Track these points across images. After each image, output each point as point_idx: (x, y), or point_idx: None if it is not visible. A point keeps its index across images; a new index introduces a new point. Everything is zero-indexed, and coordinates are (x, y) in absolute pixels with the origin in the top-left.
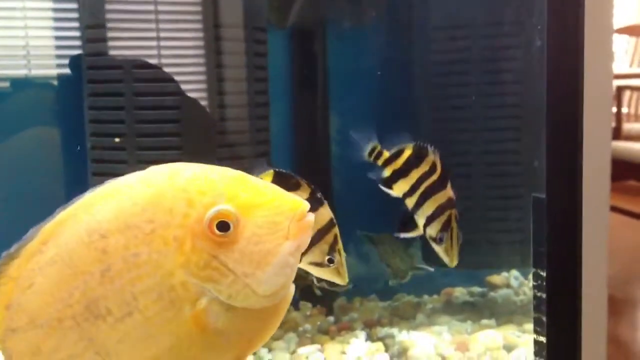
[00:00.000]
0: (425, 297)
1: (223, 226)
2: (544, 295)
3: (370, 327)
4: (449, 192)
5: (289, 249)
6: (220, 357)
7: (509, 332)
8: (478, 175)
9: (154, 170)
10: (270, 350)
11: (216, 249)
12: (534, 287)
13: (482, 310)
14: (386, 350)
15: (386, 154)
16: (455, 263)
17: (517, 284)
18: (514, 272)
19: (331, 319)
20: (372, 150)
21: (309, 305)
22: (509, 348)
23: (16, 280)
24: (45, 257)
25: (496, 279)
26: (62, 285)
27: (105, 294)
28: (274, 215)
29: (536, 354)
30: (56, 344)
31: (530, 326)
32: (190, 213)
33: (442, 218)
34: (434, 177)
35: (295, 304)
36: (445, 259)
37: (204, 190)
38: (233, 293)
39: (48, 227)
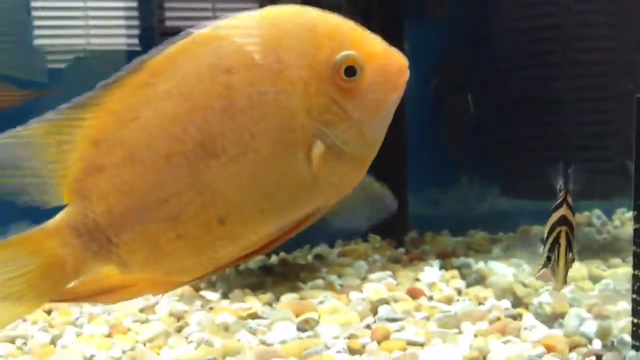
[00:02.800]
0: (501, 234)
1: (349, 71)
2: None
3: (444, 258)
4: (562, 210)
5: (395, 100)
6: (316, 202)
7: (594, 266)
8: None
9: (276, 10)
10: (340, 276)
11: (339, 94)
12: (635, 218)
13: None
14: (462, 278)
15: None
16: (561, 286)
17: (600, 222)
18: (597, 211)
19: (402, 250)
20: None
21: (378, 237)
22: (594, 279)
23: (115, 113)
24: (157, 90)
25: (578, 217)
26: (176, 119)
27: (224, 132)
28: (387, 66)
29: (635, 291)
30: (156, 182)
31: (616, 261)
32: (318, 55)
33: (552, 237)
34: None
35: (363, 236)
36: (552, 279)
37: (330, 33)
38: (348, 139)
39: (156, 60)
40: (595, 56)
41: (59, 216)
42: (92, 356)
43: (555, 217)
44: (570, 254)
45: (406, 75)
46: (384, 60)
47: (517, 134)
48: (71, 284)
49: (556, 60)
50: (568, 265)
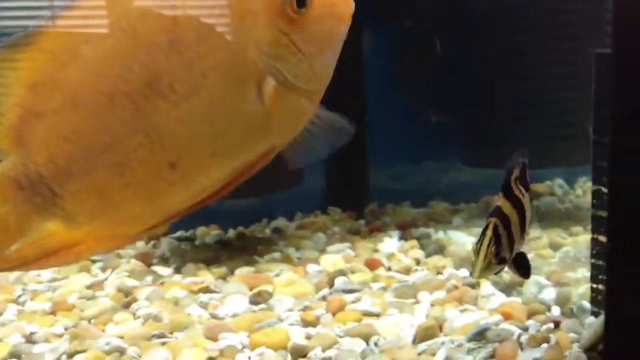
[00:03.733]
0: (462, 204)
1: (299, 2)
2: (605, 190)
3: (404, 228)
4: (500, 200)
5: (343, 33)
6: (269, 140)
7: (555, 234)
8: None
9: None
10: (298, 249)
11: (289, 27)
12: (594, 181)
13: None
14: (422, 248)
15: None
16: (477, 277)
17: (562, 192)
18: (559, 180)
19: (362, 222)
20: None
21: (338, 210)
22: (555, 247)
23: (52, 54)
24: (97, 27)
25: (540, 186)
26: (120, 57)
27: (171, 69)
28: None
29: (593, 255)
30: (100, 126)
31: (577, 229)
32: None
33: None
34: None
35: (322, 208)
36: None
37: None
38: (298, 73)
39: None
40: (557, 19)
41: None
42: (32, 333)
43: (493, 205)
44: (494, 247)
45: (352, 6)
46: None
47: (480, 100)
48: (11, 249)
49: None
50: (489, 258)
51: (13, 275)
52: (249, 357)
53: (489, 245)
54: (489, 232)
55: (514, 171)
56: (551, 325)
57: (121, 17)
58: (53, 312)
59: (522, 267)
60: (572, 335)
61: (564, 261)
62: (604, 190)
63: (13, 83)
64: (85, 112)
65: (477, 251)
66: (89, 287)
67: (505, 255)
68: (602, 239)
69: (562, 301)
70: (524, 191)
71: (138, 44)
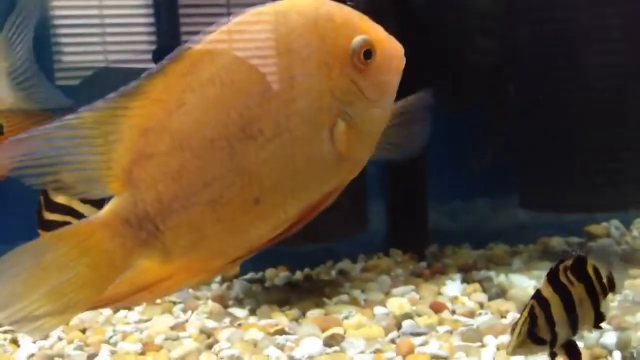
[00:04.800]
0: (521, 246)
1: (366, 54)
2: None
3: (465, 271)
4: (543, 283)
5: (397, 82)
6: (335, 180)
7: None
8: None
9: (297, 1)
10: (363, 291)
11: (357, 75)
12: None
13: None
14: (484, 292)
15: None
16: (508, 351)
17: (618, 234)
18: (615, 222)
19: (423, 264)
20: None
21: (399, 252)
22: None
23: (161, 102)
24: (200, 78)
25: (596, 228)
26: (219, 105)
27: (261, 115)
28: (392, 50)
29: None
30: (201, 166)
31: (636, 272)
32: (338, 40)
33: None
34: None
35: (384, 250)
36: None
37: (346, 21)
38: (364, 117)
39: (194, 50)
40: (609, 59)
41: (107, 208)
42: None
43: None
44: (526, 327)
45: (404, 59)
46: (389, 45)
47: (534, 143)
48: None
49: (566, 66)
50: (522, 336)
51: (102, 316)
52: None
53: (522, 324)
54: (525, 313)
55: (566, 260)
56: None
57: (221, 69)
58: (143, 353)
59: (573, 354)
60: None
61: (623, 305)
62: None
63: (126, 130)
64: (189, 154)
65: (512, 329)
66: (172, 328)
67: (543, 336)
68: None
69: (623, 345)
70: (573, 279)
71: (235, 93)
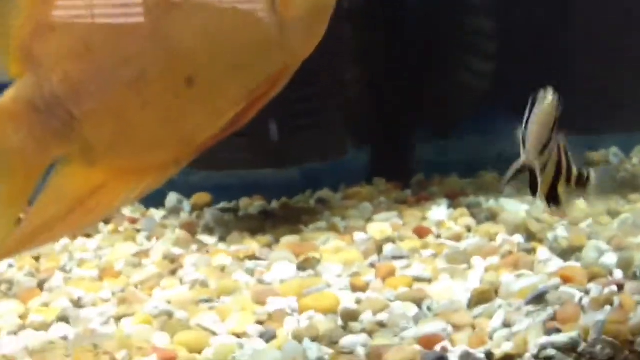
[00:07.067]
0: None
1: None
2: None
3: (452, 197)
4: None
5: None
6: (280, 54)
7: (612, 202)
8: None
9: None
10: (343, 218)
11: None
12: None
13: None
14: (472, 216)
15: None
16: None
17: (617, 160)
18: (614, 149)
19: (408, 192)
20: None
21: (383, 180)
22: (613, 215)
23: None
24: None
25: (594, 155)
26: None
27: None
28: None
29: None
30: (115, 37)
31: (635, 197)
32: None
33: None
34: None
35: (367, 179)
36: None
37: None
38: None
39: None
40: None
41: (6, 93)
42: (79, 298)
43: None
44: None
45: None
46: None
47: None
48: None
49: None
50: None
51: (59, 245)
52: (299, 321)
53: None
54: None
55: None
56: (614, 288)
57: None
58: (100, 279)
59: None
60: (636, 297)
61: (623, 227)
62: None
63: None
64: (99, 23)
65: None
66: (135, 255)
67: None
68: None
69: (625, 265)
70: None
71: None
